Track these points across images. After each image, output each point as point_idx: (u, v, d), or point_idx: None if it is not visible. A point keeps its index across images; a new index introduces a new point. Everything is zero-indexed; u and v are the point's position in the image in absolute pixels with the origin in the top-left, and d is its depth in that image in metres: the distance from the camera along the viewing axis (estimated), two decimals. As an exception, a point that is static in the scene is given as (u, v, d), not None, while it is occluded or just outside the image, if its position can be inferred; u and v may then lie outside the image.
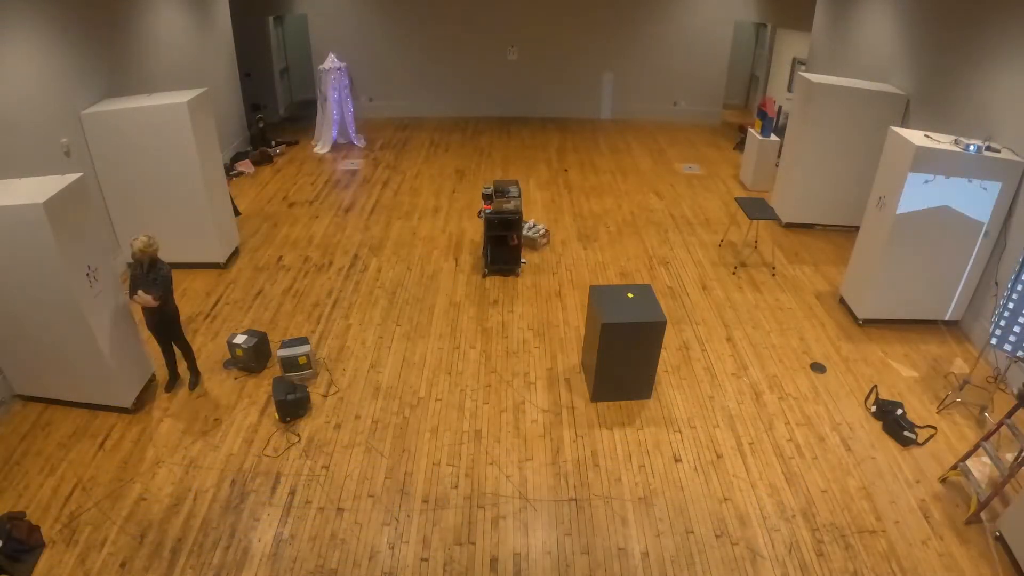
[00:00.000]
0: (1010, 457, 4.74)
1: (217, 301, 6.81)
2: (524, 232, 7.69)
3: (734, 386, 5.72)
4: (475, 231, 8.36)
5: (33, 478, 4.63)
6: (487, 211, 7.04)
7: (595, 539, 4.30)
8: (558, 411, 5.38)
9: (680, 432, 5.19)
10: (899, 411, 5.32)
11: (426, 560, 4.15)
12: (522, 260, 7.45)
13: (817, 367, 5.97)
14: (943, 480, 4.76)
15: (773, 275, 7.50)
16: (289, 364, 5.57)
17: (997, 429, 4.60)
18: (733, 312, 6.79)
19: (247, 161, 10.41)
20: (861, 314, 6.52)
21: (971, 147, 5.65)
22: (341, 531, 4.31)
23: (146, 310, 5.13)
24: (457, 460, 4.89)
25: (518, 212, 7.05)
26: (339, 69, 11.13)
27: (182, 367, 5.61)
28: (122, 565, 4.05)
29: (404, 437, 5.09)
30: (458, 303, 6.84)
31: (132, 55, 7.73)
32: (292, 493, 4.57)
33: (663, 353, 5.75)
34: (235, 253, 7.70)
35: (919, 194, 5.79)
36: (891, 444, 5.11)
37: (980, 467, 4.79)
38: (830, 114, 7.78)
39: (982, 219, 5.87)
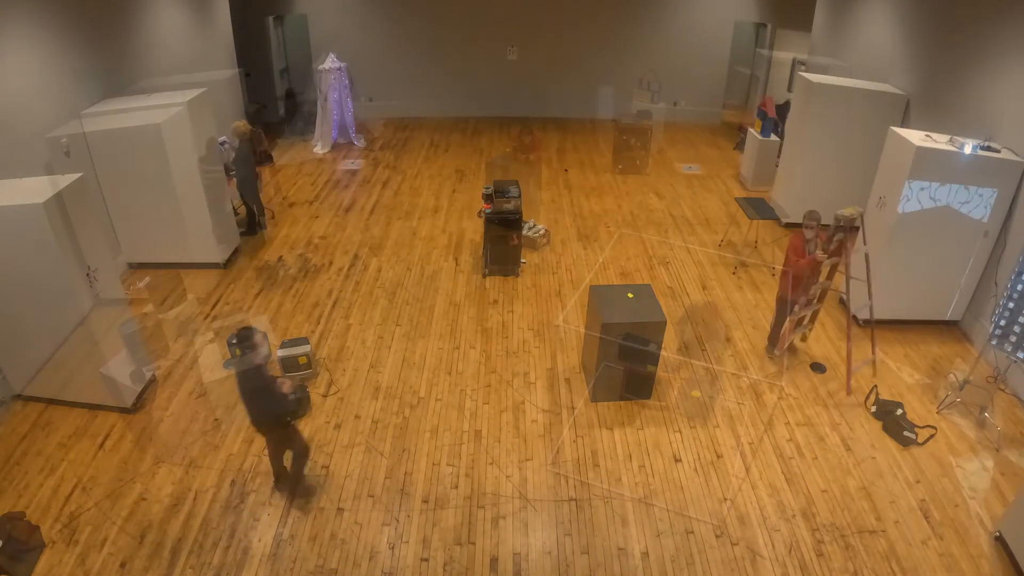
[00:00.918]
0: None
1: (217, 301, 6.81)
2: (524, 232, 7.69)
3: (734, 386, 5.72)
4: (475, 231, 8.36)
5: (33, 478, 4.63)
6: (487, 211, 7.05)
7: (595, 539, 4.30)
8: (558, 411, 5.38)
9: (680, 432, 5.19)
10: (899, 411, 5.32)
11: (426, 560, 4.15)
12: (522, 260, 7.45)
13: (817, 367, 5.97)
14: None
15: (773, 275, 7.49)
16: (289, 364, 5.57)
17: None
18: (733, 312, 6.79)
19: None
20: (861, 314, 6.51)
21: (966, 146, 5.63)
22: (341, 531, 4.31)
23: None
24: (457, 460, 4.89)
25: (518, 212, 7.05)
26: (339, 69, 11.13)
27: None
28: (122, 565, 4.05)
29: (404, 437, 5.09)
30: (458, 303, 6.84)
31: (132, 55, 7.73)
32: (292, 493, 4.58)
33: (663, 353, 5.74)
34: (235, 253, 7.70)
35: (919, 195, 5.79)
36: (891, 444, 5.10)
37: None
38: (830, 114, 7.77)
39: (982, 219, 5.87)
